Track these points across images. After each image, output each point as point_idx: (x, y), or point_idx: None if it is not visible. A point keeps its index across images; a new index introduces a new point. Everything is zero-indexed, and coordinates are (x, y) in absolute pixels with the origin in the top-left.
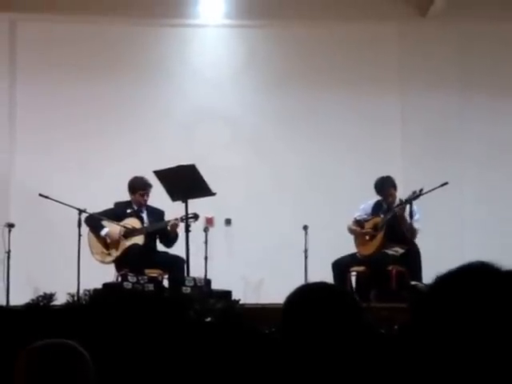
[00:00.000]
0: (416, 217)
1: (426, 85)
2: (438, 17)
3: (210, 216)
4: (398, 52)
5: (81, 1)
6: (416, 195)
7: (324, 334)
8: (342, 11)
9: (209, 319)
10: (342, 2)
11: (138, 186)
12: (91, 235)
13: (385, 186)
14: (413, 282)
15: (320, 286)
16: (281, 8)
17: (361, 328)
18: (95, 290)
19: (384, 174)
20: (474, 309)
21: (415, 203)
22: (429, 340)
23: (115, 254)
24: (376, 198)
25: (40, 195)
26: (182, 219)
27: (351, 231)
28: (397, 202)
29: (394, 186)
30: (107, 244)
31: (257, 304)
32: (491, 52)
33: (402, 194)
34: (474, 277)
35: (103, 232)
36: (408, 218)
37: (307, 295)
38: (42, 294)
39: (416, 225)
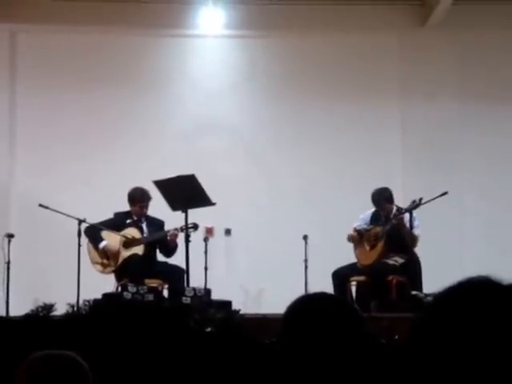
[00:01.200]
0: (415, 223)
1: (425, 95)
2: (437, 27)
3: (209, 226)
4: (398, 62)
5: (81, 12)
6: (416, 204)
7: (324, 345)
8: (341, 21)
9: (209, 329)
10: (342, 13)
11: (138, 198)
12: (91, 246)
13: (380, 198)
14: (413, 292)
15: (320, 296)
16: (280, 19)
17: (361, 338)
18: (95, 301)
19: (384, 184)
20: (476, 325)
21: (416, 216)
22: (431, 357)
23: (115, 264)
24: (374, 207)
25: (40, 205)
26: (181, 229)
27: (351, 239)
28: (394, 212)
29: (389, 200)
30: (107, 254)
31: (257, 314)
32: (491, 62)
33: (401, 203)
34: (476, 293)
35: (101, 245)
36: (408, 225)
37: (307, 305)
38: (41, 304)
39: (416, 231)
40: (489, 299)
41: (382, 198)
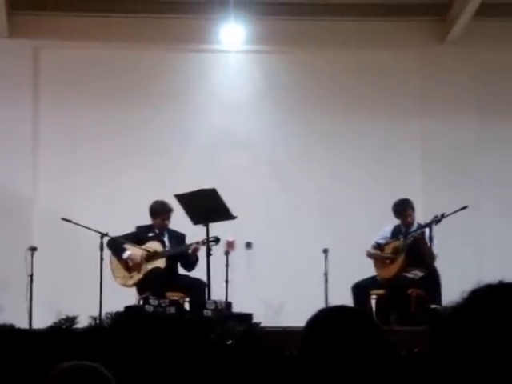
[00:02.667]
0: (435, 241)
1: (445, 111)
2: (456, 43)
3: (230, 239)
4: (417, 78)
5: (103, 27)
6: (438, 219)
7: (344, 358)
8: (360, 38)
9: (230, 342)
10: (361, 29)
11: (159, 211)
12: (113, 259)
13: (403, 207)
14: (432, 306)
15: (340, 310)
16: (301, 35)
17: (382, 351)
18: (117, 313)
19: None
20: (500, 332)
21: (435, 235)
22: (454, 365)
23: (137, 277)
24: (394, 223)
25: (62, 219)
26: (203, 243)
27: (370, 256)
28: (415, 225)
29: (412, 208)
30: (129, 267)
31: (277, 327)
32: (510, 78)
33: (421, 219)
34: (493, 297)
35: (125, 255)
36: (428, 241)
37: (327, 318)
38: (64, 317)
39: (435, 250)
40: (506, 302)
41: (406, 204)
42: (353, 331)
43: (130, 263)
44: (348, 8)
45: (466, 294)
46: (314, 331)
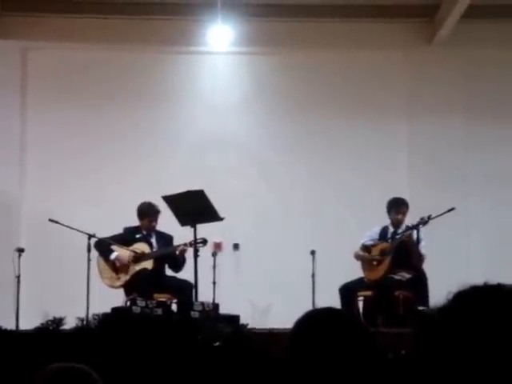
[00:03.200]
0: (422, 243)
1: (432, 111)
2: (444, 44)
3: (218, 241)
4: (405, 79)
5: (91, 29)
6: (424, 221)
7: (331, 359)
8: (348, 39)
9: (217, 343)
10: (349, 30)
11: (147, 212)
12: (100, 260)
13: (400, 204)
14: (420, 307)
15: (327, 311)
16: (288, 36)
17: (369, 353)
18: (104, 315)
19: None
20: (481, 331)
21: (423, 236)
22: (438, 367)
23: (124, 278)
24: (381, 224)
25: (50, 220)
26: (190, 244)
27: (358, 257)
28: (403, 227)
29: (407, 208)
30: (116, 268)
31: (265, 328)
32: (497, 79)
33: (408, 218)
34: (485, 299)
35: (112, 256)
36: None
37: (315, 320)
38: (51, 318)
39: (423, 250)
40: (491, 304)
41: (403, 202)
42: (340, 333)
43: (118, 264)
44: (336, 9)
45: (450, 296)
46: (302, 333)
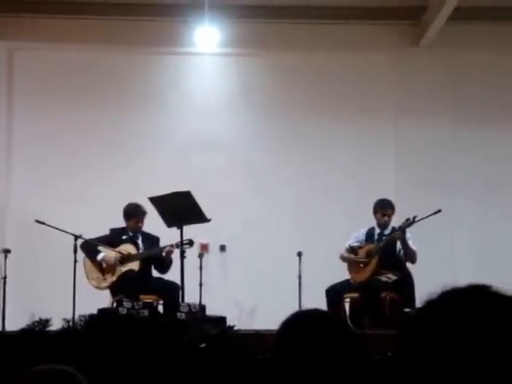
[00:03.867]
0: (410, 242)
1: (418, 114)
2: (430, 46)
3: (204, 242)
4: (392, 81)
5: (77, 30)
6: (409, 223)
7: (317, 361)
8: (335, 41)
9: (203, 345)
10: (336, 32)
11: (133, 213)
12: (87, 260)
13: (385, 205)
14: (406, 309)
15: (313, 313)
16: (275, 37)
17: (354, 355)
18: (90, 316)
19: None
20: (464, 332)
21: (408, 231)
22: (423, 368)
23: (111, 279)
24: (368, 225)
25: (36, 221)
26: (177, 245)
27: (344, 259)
28: (389, 228)
29: (393, 210)
30: (103, 269)
31: (251, 330)
32: (483, 81)
33: (395, 222)
34: (461, 299)
35: (99, 257)
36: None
37: (301, 322)
38: (37, 319)
39: (414, 247)
40: (474, 305)
41: (389, 203)
42: (326, 334)
43: (104, 265)
44: (323, 11)
45: (432, 297)
46: (288, 334)
